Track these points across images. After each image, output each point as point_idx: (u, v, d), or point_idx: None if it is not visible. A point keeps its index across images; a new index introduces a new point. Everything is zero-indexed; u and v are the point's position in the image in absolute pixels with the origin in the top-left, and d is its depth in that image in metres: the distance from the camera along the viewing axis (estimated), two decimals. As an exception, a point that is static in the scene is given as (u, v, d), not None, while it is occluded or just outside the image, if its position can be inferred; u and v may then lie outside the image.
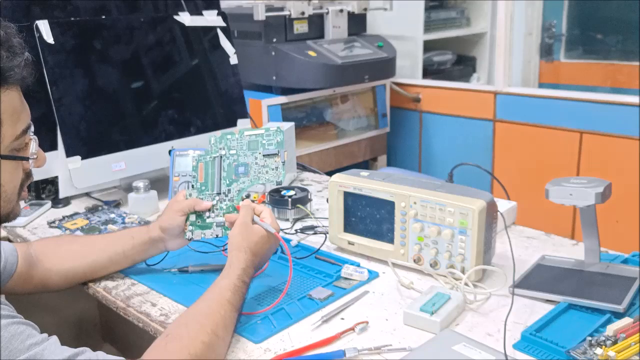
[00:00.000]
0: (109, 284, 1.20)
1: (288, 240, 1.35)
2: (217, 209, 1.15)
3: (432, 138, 3.16)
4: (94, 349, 0.83)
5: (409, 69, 3.25)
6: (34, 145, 0.89)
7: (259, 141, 1.16)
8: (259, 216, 1.10)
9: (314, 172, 1.97)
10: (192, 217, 1.16)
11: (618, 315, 0.98)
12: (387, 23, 3.21)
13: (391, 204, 1.21)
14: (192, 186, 1.17)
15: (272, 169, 1.14)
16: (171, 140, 1.73)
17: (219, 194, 1.16)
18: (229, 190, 1.16)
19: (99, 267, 1.19)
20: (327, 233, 1.34)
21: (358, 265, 1.22)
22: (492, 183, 2.77)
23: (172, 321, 1.01)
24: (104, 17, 1.69)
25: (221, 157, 1.17)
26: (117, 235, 1.23)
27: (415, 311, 1.01)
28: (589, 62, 3.36)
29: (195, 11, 1.87)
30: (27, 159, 0.88)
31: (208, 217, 1.15)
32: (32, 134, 0.89)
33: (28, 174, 0.91)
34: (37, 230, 1.49)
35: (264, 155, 1.15)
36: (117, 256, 1.19)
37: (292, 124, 1.85)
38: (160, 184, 1.69)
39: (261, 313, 1.05)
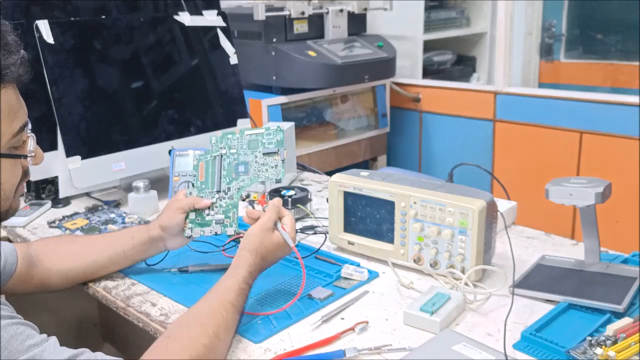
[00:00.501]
0: (109, 284, 1.20)
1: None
2: (216, 207, 1.16)
3: (432, 138, 3.16)
4: (94, 349, 0.83)
5: (409, 69, 3.26)
6: (31, 143, 0.89)
7: (259, 140, 1.16)
8: (280, 220, 1.09)
9: (314, 172, 1.97)
10: (192, 215, 1.16)
11: (618, 315, 0.98)
12: (387, 23, 3.21)
13: (391, 204, 1.21)
14: (192, 185, 1.18)
15: (272, 167, 1.15)
16: (171, 140, 1.73)
17: (218, 191, 1.16)
18: (229, 189, 1.16)
19: (99, 267, 1.19)
20: (327, 233, 1.34)
21: (358, 265, 1.22)
22: (492, 183, 2.77)
23: (173, 321, 1.01)
24: (104, 17, 1.69)
25: (221, 156, 1.18)
26: (117, 235, 1.23)
27: (415, 311, 1.01)
28: (589, 62, 3.36)
29: (195, 11, 1.87)
30: (25, 156, 0.88)
31: (207, 214, 1.16)
32: (30, 131, 0.89)
33: (26, 172, 0.91)
34: (37, 230, 1.49)
35: (263, 154, 1.15)
36: (117, 256, 1.19)
37: (292, 124, 1.85)
38: (160, 184, 1.69)
39: (263, 315, 1.04)
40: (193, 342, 0.87)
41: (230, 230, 1.15)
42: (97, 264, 1.19)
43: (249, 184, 1.16)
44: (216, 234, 1.15)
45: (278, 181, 1.16)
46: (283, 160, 1.14)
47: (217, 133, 1.21)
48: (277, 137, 1.16)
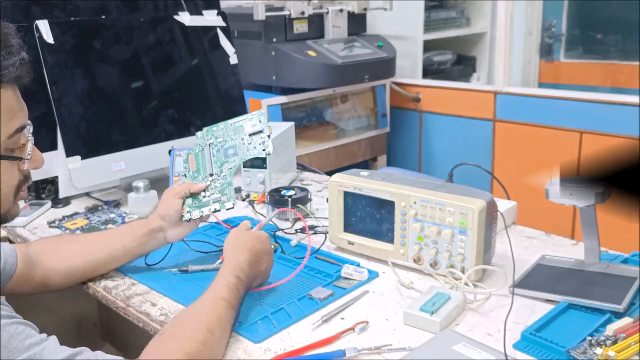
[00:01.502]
0: (109, 283, 1.20)
1: (288, 240, 1.35)
2: (211, 189, 1.20)
3: (432, 138, 3.16)
4: (94, 349, 0.83)
5: (409, 68, 3.25)
6: (29, 146, 0.89)
7: (243, 125, 1.21)
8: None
9: (314, 172, 1.97)
10: (189, 201, 1.20)
11: (618, 315, 0.98)
12: (387, 23, 3.21)
13: (391, 204, 1.21)
14: (185, 175, 1.23)
15: (260, 144, 1.19)
16: (171, 140, 1.73)
17: (211, 174, 1.21)
18: (221, 170, 1.21)
19: (99, 265, 1.20)
20: (327, 233, 1.34)
21: (358, 265, 1.22)
22: (492, 183, 2.76)
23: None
24: (104, 17, 1.69)
25: (209, 145, 1.23)
26: (116, 231, 1.24)
27: (415, 311, 1.01)
28: (589, 62, 3.36)
29: (195, 11, 1.87)
30: (20, 158, 0.87)
31: (204, 197, 1.20)
32: (31, 134, 0.89)
33: (26, 176, 0.90)
34: (37, 230, 1.49)
35: (249, 135, 1.20)
36: (117, 252, 1.19)
37: (291, 123, 1.85)
38: (160, 184, 1.69)
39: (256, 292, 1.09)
40: (188, 340, 0.88)
41: (229, 204, 1.19)
42: (97, 261, 1.19)
43: (240, 162, 1.21)
44: (215, 210, 1.19)
45: (268, 154, 1.19)
46: (269, 136, 1.19)
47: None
48: (260, 118, 1.21)
